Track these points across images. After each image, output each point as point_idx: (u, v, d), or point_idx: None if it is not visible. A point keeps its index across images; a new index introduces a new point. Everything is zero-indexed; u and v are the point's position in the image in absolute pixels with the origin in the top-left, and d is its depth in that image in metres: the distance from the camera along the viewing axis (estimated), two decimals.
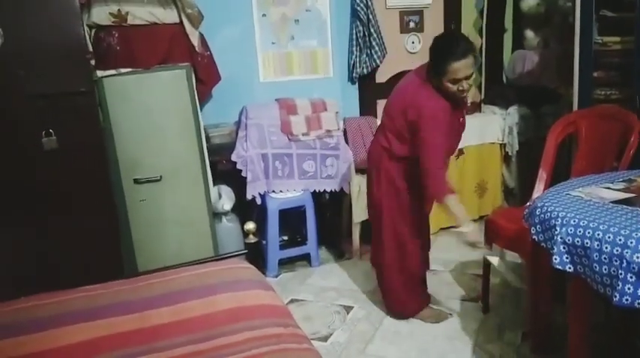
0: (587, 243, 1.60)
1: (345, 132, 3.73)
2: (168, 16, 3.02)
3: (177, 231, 3.13)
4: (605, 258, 1.54)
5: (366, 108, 3.99)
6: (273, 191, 3.46)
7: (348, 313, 2.95)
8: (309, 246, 3.56)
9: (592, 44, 2.99)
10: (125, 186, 2.99)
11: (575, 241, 1.64)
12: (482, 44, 4.34)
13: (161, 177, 3.04)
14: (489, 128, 4.07)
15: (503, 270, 2.72)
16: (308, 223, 3.51)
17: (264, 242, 3.48)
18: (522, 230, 2.22)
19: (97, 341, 1.59)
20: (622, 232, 1.53)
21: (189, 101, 3.04)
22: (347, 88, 3.97)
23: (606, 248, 1.53)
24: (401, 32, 4.08)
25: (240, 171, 3.36)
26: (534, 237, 1.87)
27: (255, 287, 1.90)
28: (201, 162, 3.14)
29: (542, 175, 2.68)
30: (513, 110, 4.09)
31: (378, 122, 3.00)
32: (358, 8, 3.75)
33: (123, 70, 2.91)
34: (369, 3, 3.76)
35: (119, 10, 2.87)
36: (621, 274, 1.49)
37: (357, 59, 3.86)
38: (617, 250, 1.51)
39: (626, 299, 1.48)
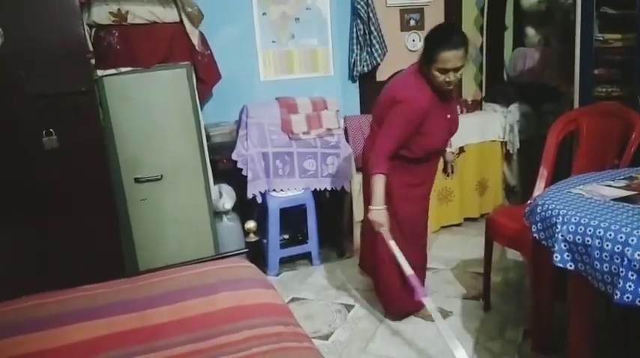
0: (588, 241, 1.59)
1: (345, 130, 3.73)
2: (168, 15, 3.02)
3: (177, 230, 3.13)
4: (606, 256, 1.53)
5: (367, 106, 3.98)
6: (274, 190, 3.46)
7: (349, 312, 2.95)
8: (310, 244, 3.56)
9: (593, 41, 2.99)
10: (126, 186, 2.99)
11: (576, 239, 1.63)
12: (482, 42, 4.34)
13: (162, 176, 3.04)
14: (490, 126, 4.06)
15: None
16: (309, 222, 3.51)
17: (264, 241, 3.48)
18: (523, 228, 2.21)
19: (97, 340, 1.59)
20: (623, 230, 1.53)
21: (189, 100, 3.04)
22: (347, 87, 3.97)
23: (607, 246, 1.53)
24: (401, 30, 4.08)
25: (241, 169, 3.36)
26: (535, 234, 1.87)
27: (255, 286, 1.90)
28: (202, 161, 3.14)
29: (543, 173, 2.68)
30: (514, 108, 4.09)
31: None
32: (358, 6, 3.75)
33: (123, 69, 2.91)
34: (370, 1, 3.76)
35: (119, 9, 2.87)
36: (622, 272, 1.49)
37: (358, 57, 3.86)
38: (618, 248, 1.50)
39: (627, 297, 1.48)
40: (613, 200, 1.80)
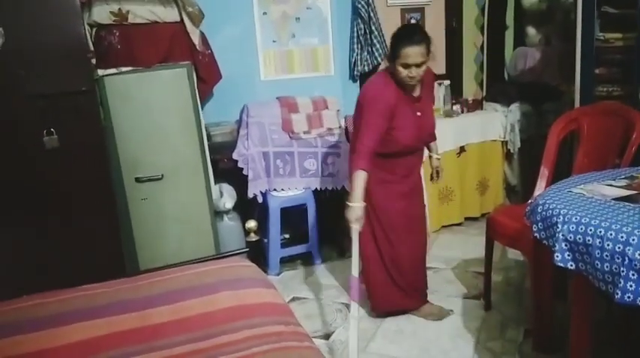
0: (588, 241, 1.59)
1: (346, 130, 3.72)
2: (168, 14, 3.02)
3: (178, 230, 3.13)
4: (606, 256, 1.53)
5: None
6: (275, 189, 3.46)
7: (349, 311, 2.94)
8: (311, 244, 3.56)
9: (594, 41, 2.98)
10: (126, 185, 2.99)
11: (577, 238, 1.63)
12: (483, 41, 4.34)
13: (162, 175, 3.04)
14: (491, 125, 4.06)
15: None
16: (309, 221, 3.51)
17: (265, 240, 3.48)
18: (524, 227, 2.21)
19: (97, 340, 1.59)
20: (624, 229, 1.52)
21: (190, 99, 3.04)
22: (348, 86, 3.96)
23: (608, 245, 1.53)
24: None
25: (242, 169, 3.36)
26: (536, 234, 1.87)
27: (256, 285, 1.90)
28: (203, 160, 3.14)
29: (544, 172, 2.67)
30: (515, 107, 4.08)
31: None
32: (359, 6, 3.74)
33: (124, 69, 2.91)
34: (370, 0, 3.75)
35: (120, 8, 2.87)
36: (623, 271, 1.48)
37: (358, 57, 3.86)
38: (619, 247, 1.50)
39: (628, 297, 1.48)
40: (614, 199, 1.80)
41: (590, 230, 1.60)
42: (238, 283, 1.88)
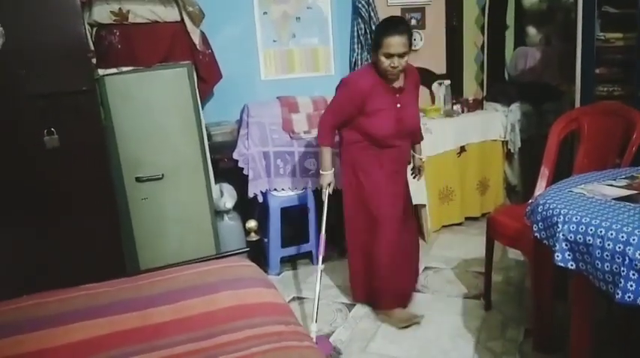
0: (589, 240, 1.59)
1: None
2: (169, 14, 3.02)
3: (178, 229, 3.13)
4: (607, 255, 1.53)
5: None
6: (275, 189, 3.46)
7: (349, 311, 2.95)
8: (311, 244, 3.56)
9: (594, 41, 2.98)
10: (127, 185, 2.99)
11: (578, 238, 1.63)
12: (484, 41, 4.34)
13: (163, 175, 3.04)
14: (491, 125, 4.06)
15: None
16: (310, 221, 3.51)
17: (265, 240, 3.48)
18: (524, 227, 2.21)
19: (98, 339, 1.59)
20: (624, 229, 1.52)
21: (190, 99, 3.04)
22: None
23: (608, 245, 1.53)
24: None
25: (242, 169, 3.36)
26: (536, 234, 1.87)
27: (256, 285, 1.90)
28: (203, 160, 3.14)
29: (545, 172, 2.67)
30: (515, 107, 4.08)
31: None
32: (359, 5, 3.74)
33: (124, 69, 2.91)
34: (371, 0, 3.75)
35: (120, 8, 2.87)
36: (623, 271, 1.48)
37: (359, 57, 3.85)
38: (619, 247, 1.50)
39: (629, 297, 1.48)
40: (614, 199, 1.80)
41: (591, 230, 1.60)
42: (239, 283, 1.88)
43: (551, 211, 1.78)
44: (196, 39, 3.14)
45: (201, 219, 3.19)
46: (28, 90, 2.44)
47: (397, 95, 2.64)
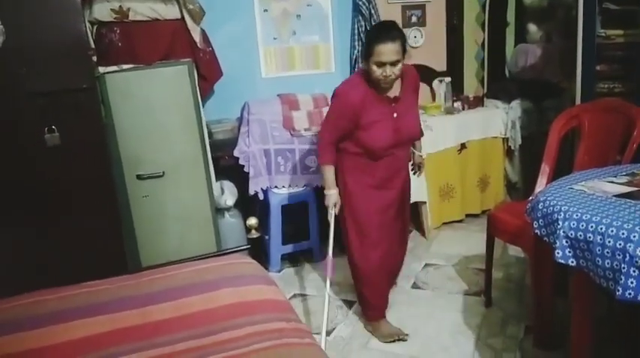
0: (589, 237, 1.59)
1: None
2: (169, 11, 3.02)
3: (179, 227, 3.14)
4: (607, 252, 1.53)
5: None
6: (276, 186, 3.46)
7: (350, 308, 2.95)
8: (312, 241, 3.56)
9: (595, 37, 2.98)
10: (128, 182, 2.99)
11: (578, 235, 1.63)
12: (484, 38, 4.33)
13: (164, 173, 3.05)
14: (492, 122, 4.05)
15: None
16: (310, 218, 3.52)
17: (266, 237, 3.48)
18: (525, 224, 2.21)
19: (98, 336, 1.59)
20: (625, 226, 1.52)
21: (191, 97, 3.04)
22: None
23: (609, 242, 1.53)
24: (403, 27, 4.03)
25: (243, 166, 3.36)
26: (537, 231, 1.87)
27: (257, 282, 1.90)
28: (204, 157, 3.14)
29: (545, 169, 2.67)
30: (516, 104, 4.08)
31: None
32: (360, 2, 3.74)
33: (125, 66, 2.91)
34: None
35: (120, 6, 2.87)
36: (624, 268, 1.48)
37: (359, 54, 3.85)
38: (619, 244, 1.50)
39: (629, 293, 1.48)
40: (615, 196, 1.79)
41: (591, 227, 1.60)
42: (239, 280, 1.89)
43: (551, 208, 1.78)
44: (197, 36, 3.14)
45: (202, 216, 3.20)
46: (28, 88, 2.44)
47: (393, 104, 2.47)
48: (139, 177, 3.01)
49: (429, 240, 3.77)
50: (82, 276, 2.01)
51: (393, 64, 2.31)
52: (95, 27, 2.89)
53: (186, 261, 2.20)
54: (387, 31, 2.34)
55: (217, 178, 3.30)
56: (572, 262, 1.68)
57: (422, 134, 2.85)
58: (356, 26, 3.81)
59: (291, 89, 3.65)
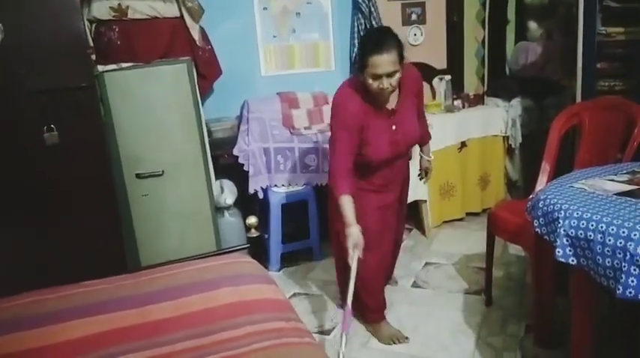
0: (590, 236, 1.59)
1: None
2: (168, 9, 3.01)
3: (179, 226, 3.13)
4: (608, 251, 1.53)
5: None
6: (275, 185, 3.45)
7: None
8: (312, 240, 3.56)
9: (595, 35, 2.97)
10: (127, 181, 2.99)
11: (579, 234, 1.63)
12: (484, 36, 4.32)
13: (163, 171, 3.04)
14: (492, 120, 4.04)
15: None
16: (310, 217, 3.51)
17: (266, 236, 3.47)
18: (525, 223, 2.20)
19: (98, 336, 1.59)
20: (625, 224, 1.52)
21: (190, 95, 3.03)
22: None
23: (609, 240, 1.52)
24: (403, 24, 4.06)
25: (242, 165, 3.36)
26: (537, 229, 1.86)
27: (257, 281, 1.90)
28: (203, 156, 3.14)
29: (545, 167, 2.66)
30: (516, 102, 4.07)
31: None
32: (360, 0, 3.73)
33: (124, 65, 2.91)
34: None
35: (119, 4, 2.86)
36: (624, 267, 1.48)
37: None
38: (620, 242, 1.50)
39: (630, 292, 1.47)
40: (615, 194, 1.79)
41: (592, 225, 1.59)
42: (239, 279, 1.88)
43: (552, 206, 1.77)
44: (196, 35, 3.13)
45: (202, 215, 3.19)
46: (27, 86, 2.43)
47: (391, 116, 2.35)
48: (138, 176, 3.00)
49: (430, 239, 3.77)
50: (81, 276, 2.00)
51: (390, 75, 2.16)
52: (94, 25, 2.90)
53: (185, 260, 2.20)
54: (382, 40, 2.17)
55: (217, 177, 3.30)
56: (573, 261, 1.68)
57: (429, 137, 2.81)
58: (356, 24, 3.80)
59: (291, 87, 3.64)
